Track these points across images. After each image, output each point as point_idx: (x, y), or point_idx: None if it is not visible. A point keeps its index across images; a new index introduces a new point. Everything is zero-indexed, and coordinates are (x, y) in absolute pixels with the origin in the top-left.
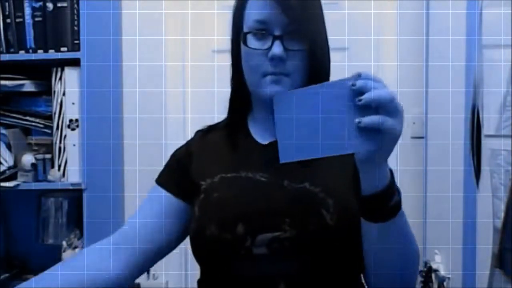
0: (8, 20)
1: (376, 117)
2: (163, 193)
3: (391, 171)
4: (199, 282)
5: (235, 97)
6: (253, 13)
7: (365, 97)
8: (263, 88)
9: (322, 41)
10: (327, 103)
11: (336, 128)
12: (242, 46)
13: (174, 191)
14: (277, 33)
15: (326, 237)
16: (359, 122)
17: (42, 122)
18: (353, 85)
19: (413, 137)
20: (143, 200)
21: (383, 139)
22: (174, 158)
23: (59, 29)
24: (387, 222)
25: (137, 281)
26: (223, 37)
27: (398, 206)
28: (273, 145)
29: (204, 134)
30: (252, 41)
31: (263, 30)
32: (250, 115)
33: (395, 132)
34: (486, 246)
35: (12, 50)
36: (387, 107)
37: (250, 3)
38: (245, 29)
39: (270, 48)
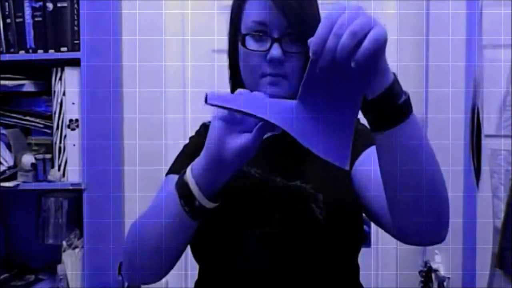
0: (8, 20)
1: (365, 46)
2: (175, 177)
3: (394, 74)
4: (196, 283)
5: None
6: (252, 15)
7: (356, 60)
8: (261, 89)
9: None
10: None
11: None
12: (241, 47)
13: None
14: (276, 35)
15: (316, 231)
16: (356, 63)
17: (42, 122)
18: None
19: None
20: (156, 194)
21: (379, 54)
22: (184, 147)
23: (59, 29)
24: (401, 125)
25: None
26: (223, 37)
27: (408, 105)
28: (269, 141)
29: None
30: (250, 43)
31: (261, 32)
32: None
33: (383, 36)
34: (486, 246)
35: (12, 50)
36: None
37: (249, 4)
38: (244, 30)
39: (268, 50)
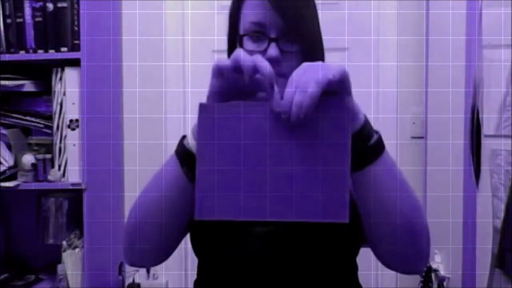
0: (8, 20)
1: (311, 90)
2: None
3: (365, 116)
4: (195, 282)
5: None
6: (249, 15)
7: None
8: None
9: (317, 41)
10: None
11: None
12: (238, 48)
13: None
14: (272, 35)
15: (318, 231)
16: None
17: (42, 122)
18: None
19: (413, 137)
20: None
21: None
22: None
23: (59, 29)
24: (373, 164)
25: (137, 281)
26: (223, 37)
27: (380, 144)
28: None
29: None
30: (248, 43)
31: (259, 32)
32: None
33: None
34: (486, 246)
35: (12, 50)
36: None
37: (246, 5)
38: (241, 31)
39: (266, 50)
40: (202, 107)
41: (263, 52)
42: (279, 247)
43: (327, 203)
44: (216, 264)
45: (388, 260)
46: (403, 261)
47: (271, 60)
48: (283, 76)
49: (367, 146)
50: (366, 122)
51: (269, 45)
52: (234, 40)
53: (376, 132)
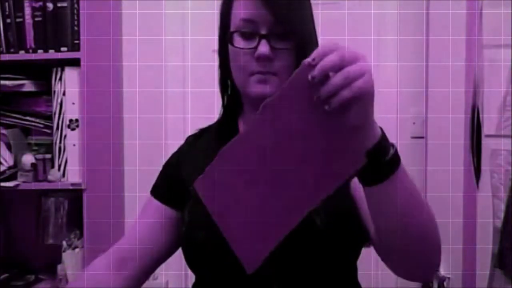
0: (8, 20)
1: (345, 92)
2: (153, 202)
3: (381, 128)
4: (194, 286)
5: (225, 98)
6: (240, 12)
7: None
8: (250, 87)
9: (311, 39)
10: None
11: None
12: (229, 46)
13: (165, 200)
14: (263, 32)
15: (317, 239)
16: (328, 106)
17: (42, 122)
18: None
19: (413, 137)
20: (139, 211)
21: (360, 106)
22: (165, 167)
23: (59, 29)
24: (390, 179)
25: None
26: None
27: (396, 160)
28: None
29: (195, 138)
30: (238, 41)
31: (249, 29)
32: (241, 116)
33: (370, 89)
34: (486, 246)
35: (12, 50)
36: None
37: (236, 2)
38: (232, 29)
39: (256, 47)
40: (197, 185)
41: (253, 50)
42: (277, 255)
43: (341, 159)
44: (210, 275)
45: (399, 269)
46: (415, 272)
47: (261, 58)
48: (275, 74)
49: (384, 160)
50: (383, 137)
51: (260, 42)
52: (225, 39)
53: (393, 146)
